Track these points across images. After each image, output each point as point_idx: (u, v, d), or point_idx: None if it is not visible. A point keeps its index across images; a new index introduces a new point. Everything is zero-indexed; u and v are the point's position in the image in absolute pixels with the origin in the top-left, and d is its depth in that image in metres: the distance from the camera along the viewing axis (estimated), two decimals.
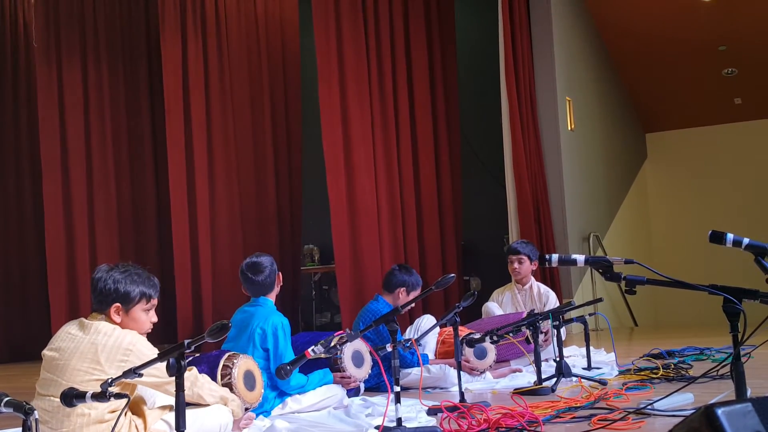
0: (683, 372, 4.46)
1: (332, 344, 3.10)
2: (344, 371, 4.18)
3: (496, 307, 5.78)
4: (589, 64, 9.87)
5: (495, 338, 4.35)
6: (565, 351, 4.70)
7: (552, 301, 5.74)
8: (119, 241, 8.94)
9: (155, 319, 2.99)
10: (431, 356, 4.92)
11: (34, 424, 2.00)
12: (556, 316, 4.51)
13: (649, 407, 3.25)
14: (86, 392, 2.31)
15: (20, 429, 2.03)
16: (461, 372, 3.91)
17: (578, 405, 3.53)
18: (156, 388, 2.89)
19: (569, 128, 8.72)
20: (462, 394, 3.78)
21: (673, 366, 4.67)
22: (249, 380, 3.50)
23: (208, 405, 3.10)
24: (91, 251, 8.55)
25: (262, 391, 3.60)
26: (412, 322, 5.39)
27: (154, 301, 2.98)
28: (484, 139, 9.66)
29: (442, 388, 4.60)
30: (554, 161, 8.36)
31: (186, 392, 2.49)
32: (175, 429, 2.33)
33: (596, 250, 9.03)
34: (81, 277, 8.28)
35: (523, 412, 3.21)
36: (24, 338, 9.01)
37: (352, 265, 7.44)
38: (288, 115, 9.44)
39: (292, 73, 9.52)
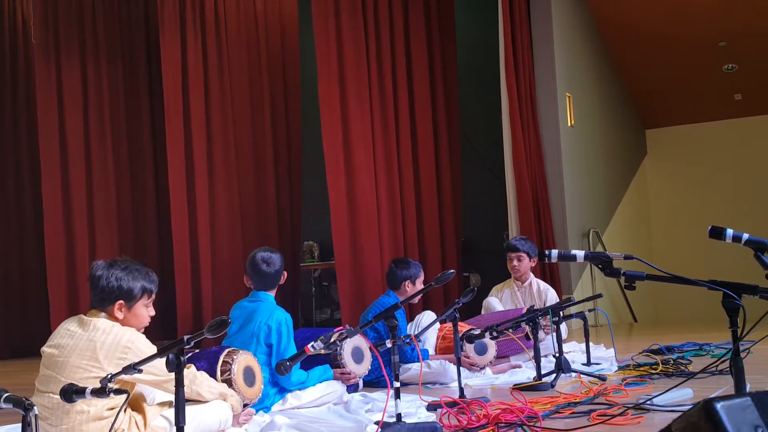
0: (682, 368, 4.46)
1: (332, 340, 3.10)
2: (344, 367, 4.19)
3: (496, 302, 5.78)
4: (589, 61, 9.86)
5: (495, 334, 4.36)
6: (565, 347, 4.71)
7: (551, 297, 5.73)
8: (119, 239, 8.93)
9: (153, 312, 3.00)
10: (431, 352, 4.93)
11: (33, 420, 2.00)
12: (556, 312, 4.51)
13: (648, 402, 3.26)
14: (86, 388, 2.32)
15: (20, 425, 2.03)
16: (461, 368, 3.92)
17: (578, 400, 3.53)
18: (155, 386, 2.89)
19: (569, 125, 8.71)
20: (462, 389, 3.79)
21: (672, 361, 4.68)
22: (248, 376, 3.50)
23: (208, 401, 3.11)
24: (90, 249, 8.55)
25: (262, 387, 3.61)
26: (412, 319, 5.40)
27: (154, 296, 2.99)
28: (484, 136, 9.66)
29: (441, 384, 4.61)
30: (554, 157, 8.36)
31: (185, 390, 2.49)
32: (175, 425, 2.34)
33: (596, 246, 9.03)
34: (80, 274, 8.28)
35: (522, 408, 3.22)
36: (23, 335, 9.01)
37: (351, 261, 7.45)
38: (287, 113, 9.43)
39: (291, 72, 9.51)
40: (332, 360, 4.21)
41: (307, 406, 3.94)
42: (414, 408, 3.63)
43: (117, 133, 9.11)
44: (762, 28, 9.70)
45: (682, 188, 11.61)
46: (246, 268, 4.12)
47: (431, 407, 3.62)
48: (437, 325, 4.99)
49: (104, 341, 2.77)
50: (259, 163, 9.02)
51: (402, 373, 4.43)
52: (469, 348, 4.76)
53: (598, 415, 3.16)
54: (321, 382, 4.06)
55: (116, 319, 2.88)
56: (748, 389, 2.52)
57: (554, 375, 4.23)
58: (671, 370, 4.37)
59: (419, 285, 4.93)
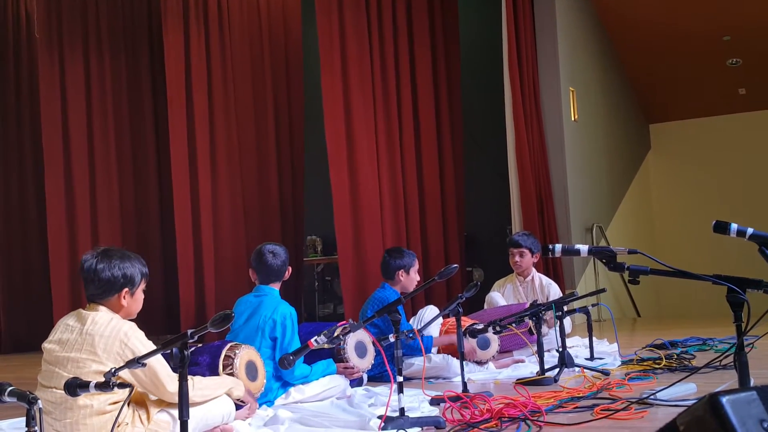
0: (686, 362, 4.45)
1: (335, 335, 3.10)
2: (347, 361, 4.19)
3: (499, 297, 5.77)
4: (593, 55, 9.84)
5: (498, 329, 4.36)
6: (568, 341, 4.71)
7: (554, 291, 5.73)
8: (121, 234, 8.94)
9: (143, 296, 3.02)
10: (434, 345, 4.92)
11: (37, 414, 2.00)
12: (559, 306, 4.51)
13: (651, 397, 3.25)
14: (89, 382, 2.32)
15: (24, 419, 2.03)
16: (464, 362, 3.91)
17: (581, 395, 3.53)
18: (152, 391, 2.87)
19: (572, 119, 8.70)
20: (465, 384, 3.79)
21: (675, 356, 4.67)
22: (251, 370, 3.50)
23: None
24: (93, 243, 8.54)
25: (264, 381, 3.61)
26: (415, 313, 5.40)
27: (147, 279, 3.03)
28: (487, 130, 9.64)
29: (444, 378, 4.61)
30: (557, 152, 8.34)
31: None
32: (179, 419, 2.34)
33: (599, 241, 9.02)
34: None
35: (525, 402, 3.21)
36: (27, 330, 9.03)
37: (354, 256, 7.45)
38: (290, 107, 9.42)
39: (294, 66, 9.50)
40: (335, 354, 4.21)
41: (311, 401, 3.94)
42: (417, 402, 3.63)
43: (120, 127, 9.12)
44: (766, 22, 9.66)
45: (685, 183, 11.58)
46: (251, 261, 4.13)
47: (434, 402, 3.62)
48: (440, 319, 4.98)
49: (102, 334, 2.77)
50: (262, 157, 9.02)
51: (405, 368, 4.43)
52: (472, 342, 4.76)
53: (601, 410, 3.15)
54: (324, 376, 4.06)
55: (120, 307, 2.89)
56: (752, 384, 2.52)
57: (557, 370, 4.22)
58: (675, 365, 4.36)
59: (413, 274, 4.90)
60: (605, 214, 9.66)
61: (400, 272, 4.86)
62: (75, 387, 2.32)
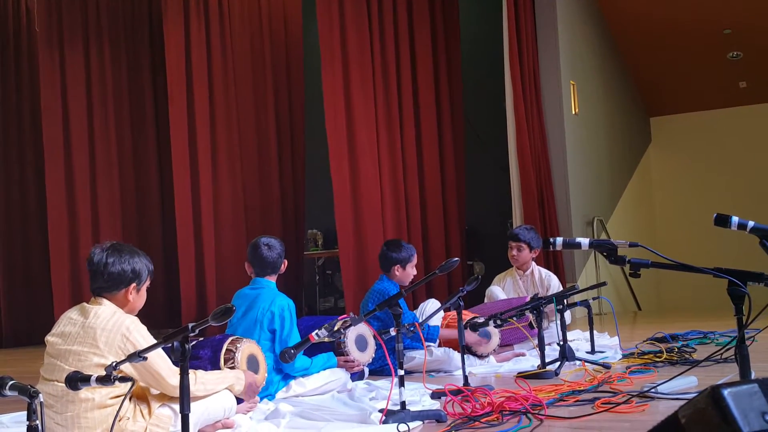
0: (687, 356, 4.45)
1: (336, 328, 3.10)
2: (348, 355, 4.19)
3: (499, 291, 5.77)
4: (594, 48, 9.82)
5: (498, 322, 4.36)
6: (569, 335, 4.71)
7: (554, 283, 5.73)
8: (122, 227, 8.94)
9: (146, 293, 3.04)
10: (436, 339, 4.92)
11: (39, 407, 2.00)
12: (560, 300, 4.51)
13: (652, 390, 3.25)
14: (90, 375, 2.32)
15: (25, 412, 2.03)
16: (465, 355, 3.92)
17: (582, 388, 3.53)
18: (155, 385, 2.87)
19: (573, 112, 8.68)
20: (466, 377, 3.79)
21: (676, 350, 4.67)
22: (252, 364, 3.51)
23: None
24: (94, 237, 8.55)
25: (266, 375, 3.61)
26: (416, 307, 5.40)
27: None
28: (488, 124, 9.63)
29: (446, 372, 4.62)
30: (558, 145, 8.33)
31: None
32: (180, 413, 2.34)
33: (600, 234, 9.01)
34: (84, 263, 8.21)
35: (526, 396, 3.22)
36: (28, 323, 9.04)
37: (355, 249, 7.45)
38: (291, 101, 9.41)
39: (295, 59, 9.48)
40: (336, 348, 4.21)
41: (311, 394, 3.94)
42: (418, 396, 3.63)
43: (120, 121, 9.11)
44: (767, 16, 9.64)
45: (686, 176, 11.58)
46: (247, 254, 4.13)
47: (435, 395, 3.62)
48: (441, 313, 4.98)
49: (104, 327, 2.78)
50: (263, 151, 9.01)
51: (406, 361, 4.44)
52: (475, 335, 4.76)
53: (602, 403, 3.15)
54: (324, 369, 4.07)
55: (126, 302, 2.90)
56: (752, 377, 2.52)
57: (558, 363, 4.22)
58: (676, 358, 4.36)
59: (409, 269, 4.88)
60: (606, 207, 9.65)
61: (396, 267, 4.86)
62: (76, 381, 2.32)
